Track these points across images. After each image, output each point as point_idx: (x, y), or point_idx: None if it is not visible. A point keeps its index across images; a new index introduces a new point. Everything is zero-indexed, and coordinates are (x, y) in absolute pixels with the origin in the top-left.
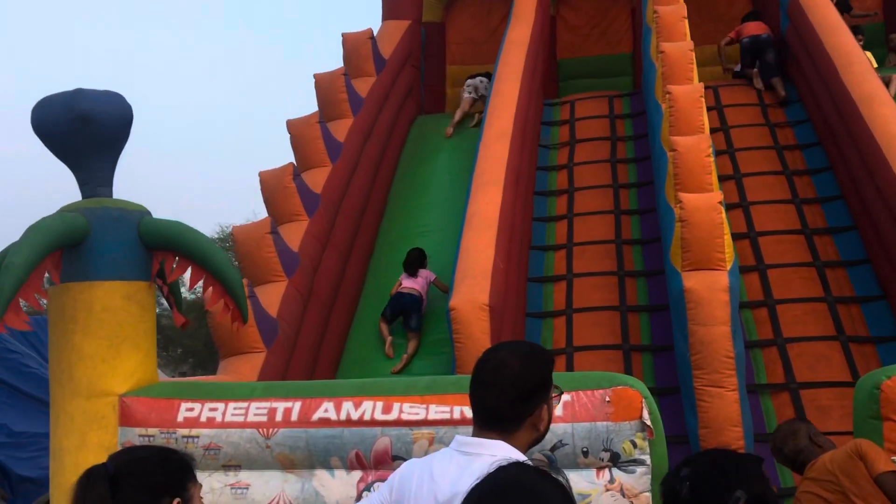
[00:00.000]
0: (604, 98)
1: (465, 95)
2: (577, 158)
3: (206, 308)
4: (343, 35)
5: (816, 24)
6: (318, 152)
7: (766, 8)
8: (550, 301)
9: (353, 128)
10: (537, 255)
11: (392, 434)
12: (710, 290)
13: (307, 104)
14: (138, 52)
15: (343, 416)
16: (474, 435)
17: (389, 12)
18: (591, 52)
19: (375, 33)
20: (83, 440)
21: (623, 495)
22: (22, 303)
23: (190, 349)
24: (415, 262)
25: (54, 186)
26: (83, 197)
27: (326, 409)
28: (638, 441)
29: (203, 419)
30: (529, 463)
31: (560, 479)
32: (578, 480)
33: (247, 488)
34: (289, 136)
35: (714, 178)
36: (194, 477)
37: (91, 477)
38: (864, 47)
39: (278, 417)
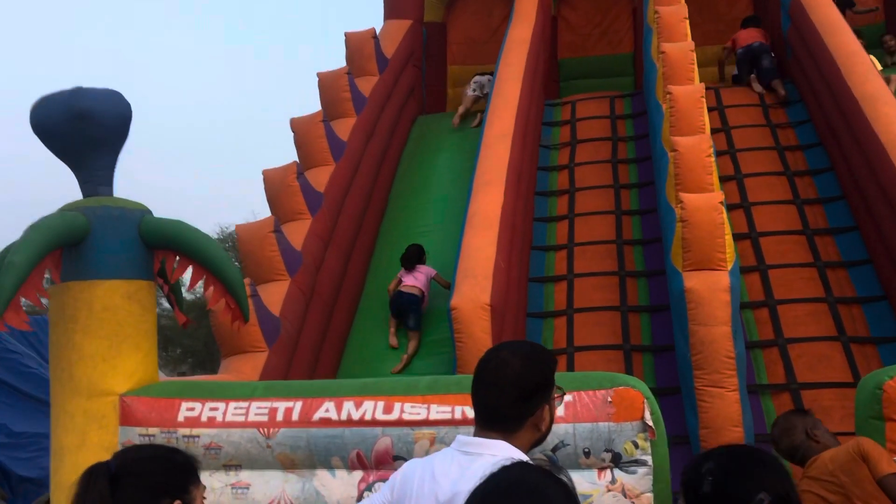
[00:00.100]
0: (605, 98)
1: (469, 93)
2: (578, 159)
3: (208, 307)
4: (346, 34)
5: (818, 23)
6: (321, 151)
7: (766, 9)
8: (551, 301)
9: (357, 127)
10: (538, 256)
11: (393, 434)
12: (710, 290)
13: (307, 104)
14: (138, 52)
15: (344, 416)
16: (476, 435)
17: (391, 12)
18: (592, 53)
19: (377, 33)
20: (83, 440)
21: (625, 496)
22: (23, 302)
23: (189, 349)
24: (412, 257)
25: (53, 187)
26: (83, 196)
27: (327, 409)
28: (639, 441)
29: (204, 419)
30: (532, 462)
31: (564, 478)
32: (580, 481)
33: (247, 488)
34: (292, 134)
35: (715, 179)
36: (197, 479)
37: (92, 474)
38: (865, 50)
39: (279, 417)
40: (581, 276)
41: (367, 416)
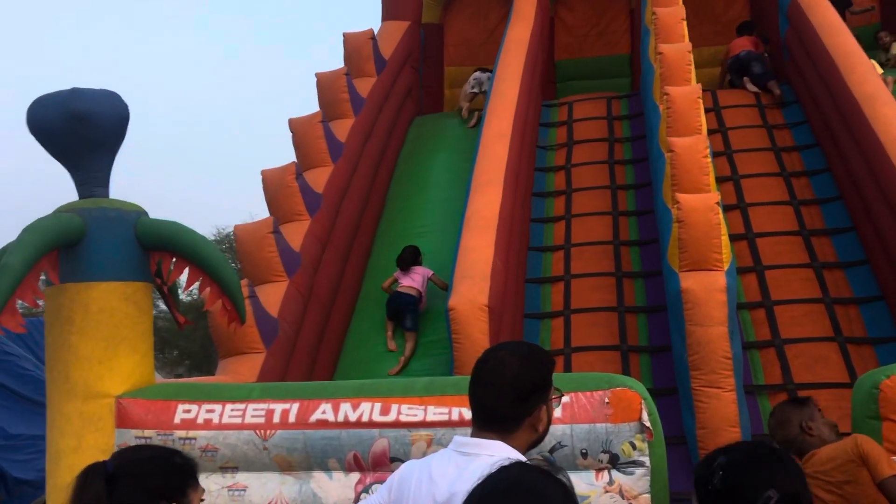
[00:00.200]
0: (602, 99)
1: (469, 90)
2: (575, 160)
3: (205, 308)
4: (344, 35)
5: (817, 25)
6: (319, 152)
7: (764, 11)
8: (549, 302)
9: (355, 128)
10: (535, 256)
11: (390, 435)
12: (707, 290)
13: (306, 105)
14: (137, 52)
15: (341, 418)
16: (473, 435)
17: (389, 13)
18: (589, 54)
19: (376, 34)
20: (80, 442)
21: (622, 497)
22: (19, 303)
23: (186, 351)
24: (408, 258)
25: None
26: (80, 197)
27: (324, 411)
28: (637, 443)
29: (200, 421)
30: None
31: (562, 478)
32: (577, 482)
33: (244, 490)
34: (291, 134)
35: (711, 179)
36: (196, 482)
37: (89, 474)
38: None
39: (276, 419)
40: (578, 277)
41: (364, 418)
